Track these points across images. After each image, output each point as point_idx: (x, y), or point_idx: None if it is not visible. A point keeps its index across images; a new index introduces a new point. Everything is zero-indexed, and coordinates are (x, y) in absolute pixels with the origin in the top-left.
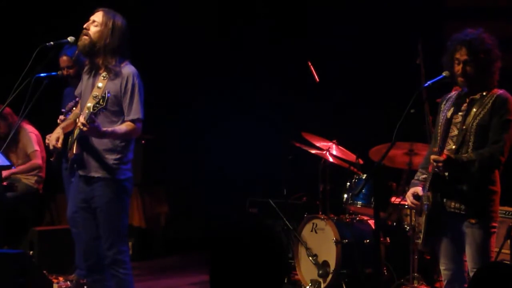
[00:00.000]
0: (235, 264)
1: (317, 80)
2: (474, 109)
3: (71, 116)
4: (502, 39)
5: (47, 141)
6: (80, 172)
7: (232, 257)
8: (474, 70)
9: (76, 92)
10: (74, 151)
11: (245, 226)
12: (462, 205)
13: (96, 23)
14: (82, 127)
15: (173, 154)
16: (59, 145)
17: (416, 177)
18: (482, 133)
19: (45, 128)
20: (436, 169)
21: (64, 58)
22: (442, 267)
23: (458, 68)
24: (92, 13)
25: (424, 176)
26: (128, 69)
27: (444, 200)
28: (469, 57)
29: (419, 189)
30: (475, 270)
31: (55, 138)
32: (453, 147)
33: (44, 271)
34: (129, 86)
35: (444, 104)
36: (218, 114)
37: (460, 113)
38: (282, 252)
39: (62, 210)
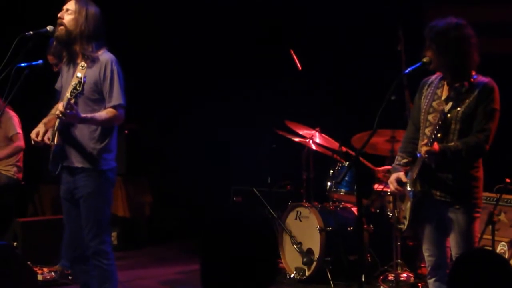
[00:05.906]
0: (228, 259)
1: (300, 68)
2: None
3: (52, 111)
4: (484, 23)
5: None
6: (63, 163)
7: (225, 253)
8: (436, 55)
9: (56, 86)
10: (56, 142)
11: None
12: (447, 192)
13: (70, 11)
14: (60, 115)
15: (156, 144)
16: (39, 138)
17: (397, 162)
18: (468, 121)
19: (27, 119)
20: (426, 160)
21: (50, 57)
22: (426, 254)
23: (425, 52)
24: (65, 2)
25: (405, 160)
26: (105, 56)
27: (431, 189)
28: (429, 42)
29: (402, 175)
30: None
31: (35, 132)
32: (439, 135)
33: (28, 262)
34: (108, 72)
35: (426, 90)
36: (200, 103)
37: (442, 99)
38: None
39: (46, 201)
